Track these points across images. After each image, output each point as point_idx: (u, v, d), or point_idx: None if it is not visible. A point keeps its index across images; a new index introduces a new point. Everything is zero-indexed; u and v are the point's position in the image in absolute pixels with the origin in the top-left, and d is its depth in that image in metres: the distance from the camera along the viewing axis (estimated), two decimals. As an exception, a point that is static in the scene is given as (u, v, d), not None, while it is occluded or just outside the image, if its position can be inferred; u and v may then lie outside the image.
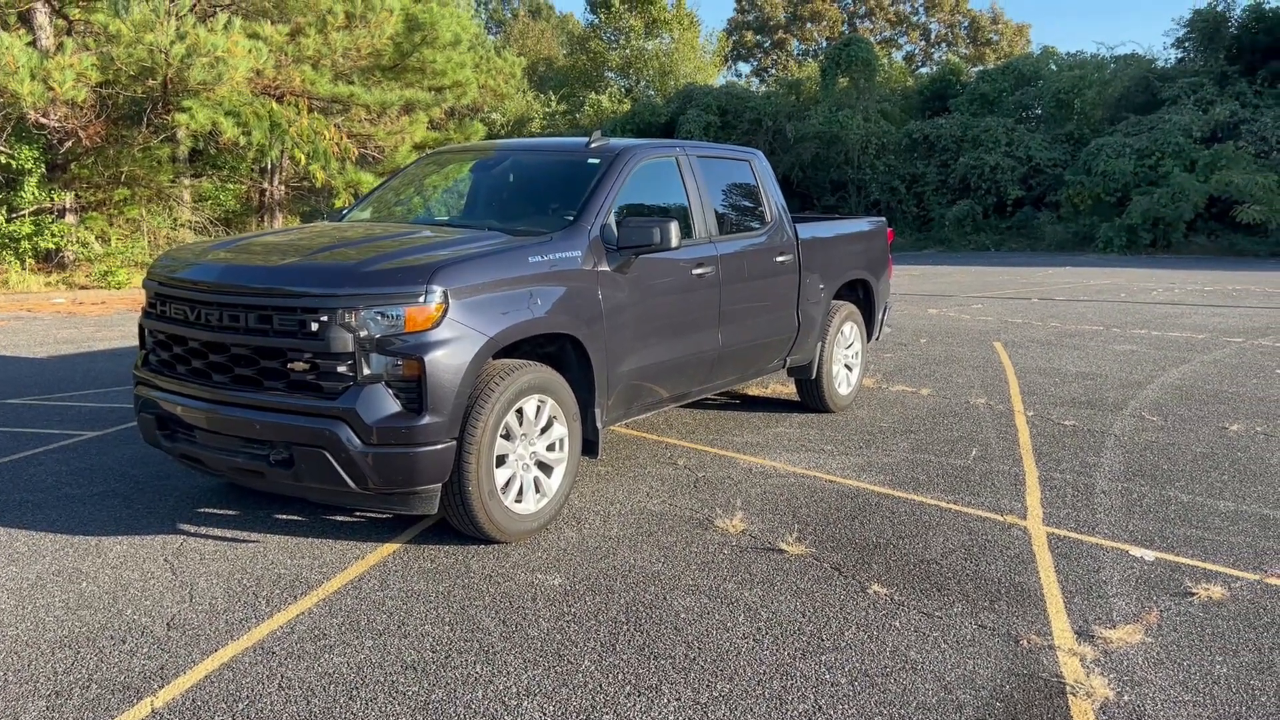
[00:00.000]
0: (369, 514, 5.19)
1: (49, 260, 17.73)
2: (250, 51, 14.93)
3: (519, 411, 4.75)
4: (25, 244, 17.12)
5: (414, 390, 4.30)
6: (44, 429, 7.04)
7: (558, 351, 5.17)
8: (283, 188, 21.39)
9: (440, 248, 4.80)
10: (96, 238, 17.82)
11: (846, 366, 7.86)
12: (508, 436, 4.72)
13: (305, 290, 4.35)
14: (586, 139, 6.02)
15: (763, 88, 50.35)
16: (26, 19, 16.68)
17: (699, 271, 5.93)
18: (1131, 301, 16.12)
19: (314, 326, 4.27)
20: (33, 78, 13.70)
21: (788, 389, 8.48)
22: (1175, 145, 29.79)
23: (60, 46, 15.34)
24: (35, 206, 17.30)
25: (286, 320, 4.34)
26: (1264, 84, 31.56)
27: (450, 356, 4.35)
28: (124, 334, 11.96)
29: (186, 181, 19.94)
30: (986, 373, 9.47)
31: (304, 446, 4.31)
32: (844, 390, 7.80)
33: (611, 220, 5.39)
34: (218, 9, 16.94)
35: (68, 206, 17.82)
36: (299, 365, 4.33)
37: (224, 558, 4.59)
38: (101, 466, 6.09)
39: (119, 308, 14.68)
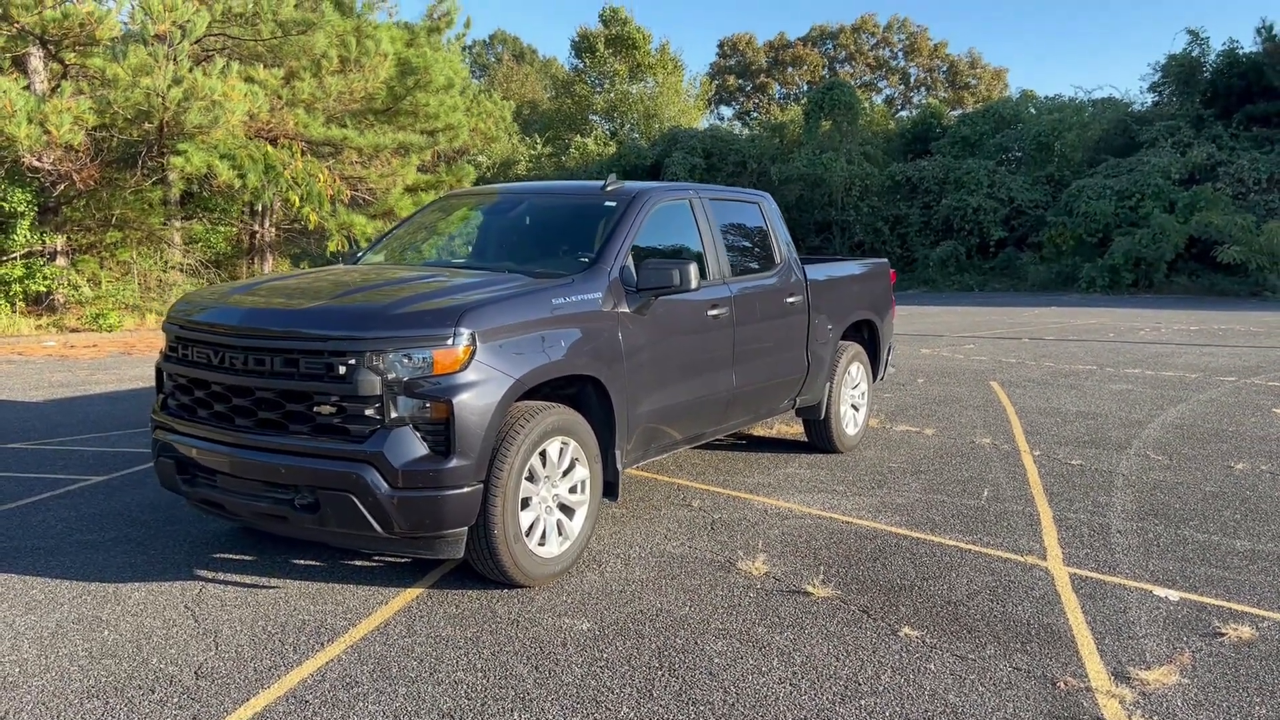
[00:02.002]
0: (388, 558, 5.14)
1: (39, 303, 17.61)
2: (247, 95, 15.00)
3: (542, 454, 4.73)
4: (16, 287, 17.01)
5: (442, 433, 4.28)
6: (48, 474, 6.95)
7: (578, 393, 5.16)
8: (273, 230, 21.38)
9: (465, 290, 4.80)
10: (87, 280, 17.72)
11: (853, 406, 7.89)
12: (531, 479, 4.70)
13: (332, 333, 4.33)
14: (602, 182, 6.06)
15: (746, 131, 50.91)
16: (20, 63, 16.70)
17: (714, 312, 5.96)
18: (1121, 341, 16.26)
19: (341, 370, 4.25)
20: (29, 121, 13.70)
21: (792, 429, 8.49)
22: (1155, 187, 30.29)
23: (56, 90, 15.35)
24: (26, 249, 17.22)
25: (313, 363, 4.32)
26: (1239, 127, 32.20)
27: (478, 399, 4.33)
28: (119, 377, 11.87)
29: (177, 224, 19.90)
30: (988, 412, 9.52)
31: (330, 490, 4.27)
32: (851, 430, 7.81)
33: (630, 262, 5.42)
34: (213, 53, 17.01)
35: (58, 249, 17.74)
36: (325, 408, 4.31)
37: (245, 604, 4.53)
38: (111, 512, 6.02)
39: (111, 350, 14.57)
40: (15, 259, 17.12)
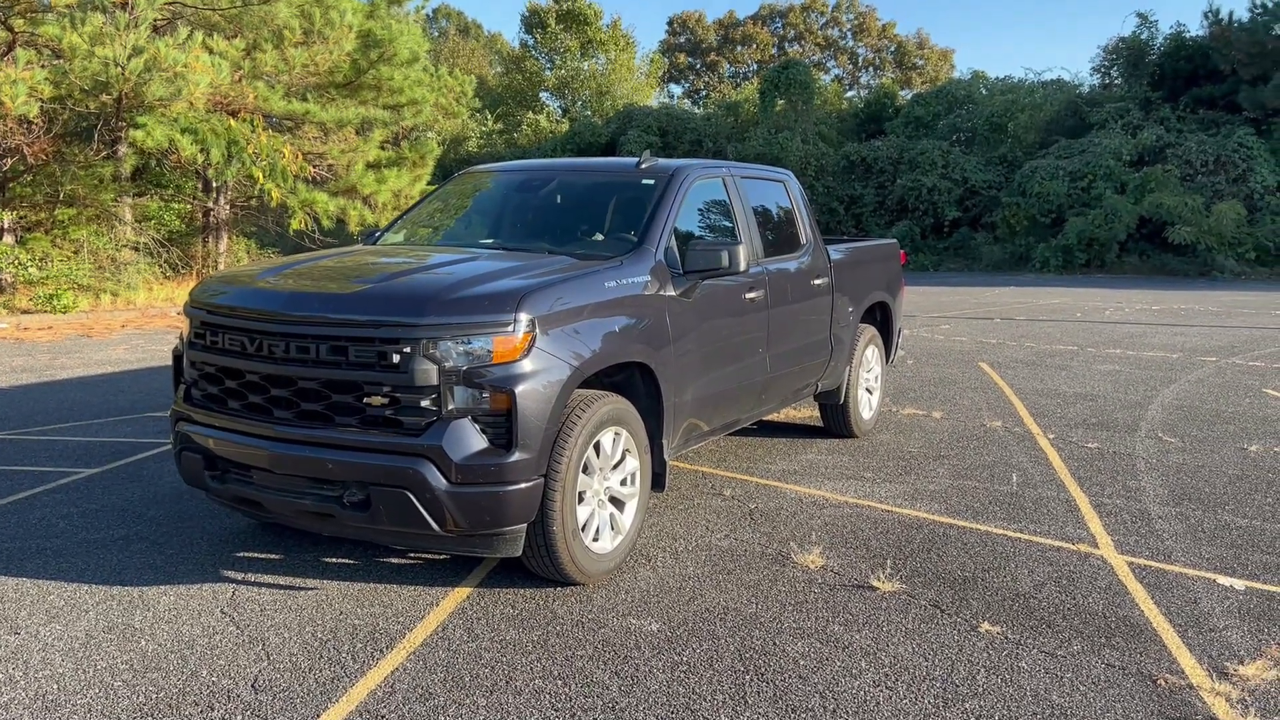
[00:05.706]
0: (425, 556, 4.87)
1: (-16, 283, 16.80)
2: (210, 67, 14.36)
3: (596, 445, 4.50)
4: (-36, 268, 16.20)
5: (502, 425, 4.03)
6: (35, 466, 6.54)
7: (624, 381, 4.93)
8: (228, 207, 20.66)
9: (514, 273, 4.52)
10: (39, 259, 16.88)
11: (867, 390, 7.75)
12: (586, 472, 4.47)
13: (385, 319, 4.04)
14: (636, 159, 5.81)
15: (698, 109, 50.64)
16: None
17: (750, 295, 5.76)
18: (1090, 321, 16.40)
19: (395, 358, 3.98)
20: (-19, 92, 12.98)
21: (801, 413, 8.35)
22: (1106, 168, 30.67)
23: (10, 57, 14.55)
24: (-29, 228, 16.41)
25: (364, 351, 4.03)
26: (1186, 110, 32.72)
27: (539, 388, 4.09)
28: (84, 361, 11.33)
29: (129, 201, 19.07)
30: (988, 395, 9.46)
31: (383, 487, 4.00)
32: (867, 414, 7.68)
33: (673, 243, 5.19)
34: (174, 20, 16.27)
35: (5, 227, 16.89)
36: (376, 399, 4.03)
37: (285, 608, 4.25)
38: (113, 507, 5.66)
39: (68, 333, 13.94)
40: (-39, 237, 16.32)
